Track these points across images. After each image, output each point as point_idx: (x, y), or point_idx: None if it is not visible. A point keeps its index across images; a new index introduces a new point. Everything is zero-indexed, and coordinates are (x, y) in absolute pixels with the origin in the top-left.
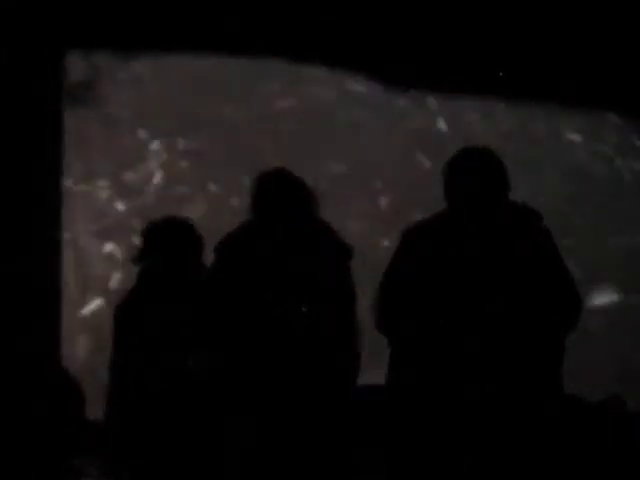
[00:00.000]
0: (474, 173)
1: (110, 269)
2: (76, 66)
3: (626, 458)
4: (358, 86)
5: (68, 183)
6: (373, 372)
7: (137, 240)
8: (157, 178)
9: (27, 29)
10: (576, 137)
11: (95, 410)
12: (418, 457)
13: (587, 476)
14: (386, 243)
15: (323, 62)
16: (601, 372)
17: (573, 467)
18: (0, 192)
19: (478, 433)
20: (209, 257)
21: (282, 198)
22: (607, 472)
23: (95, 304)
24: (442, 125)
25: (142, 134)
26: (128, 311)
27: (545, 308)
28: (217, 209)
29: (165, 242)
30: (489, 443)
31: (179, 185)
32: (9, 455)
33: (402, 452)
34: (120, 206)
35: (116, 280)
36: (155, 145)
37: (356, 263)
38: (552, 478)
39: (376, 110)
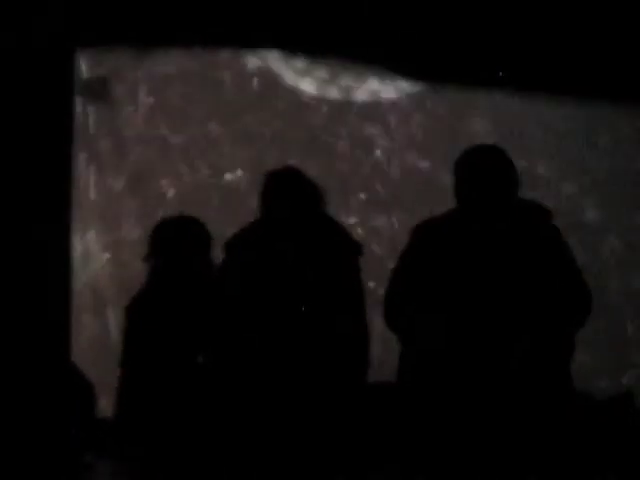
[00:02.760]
0: (483, 170)
1: (120, 271)
2: (90, 64)
3: (637, 454)
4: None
5: (78, 179)
6: (383, 370)
7: (147, 239)
8: (172, 176)
9: (41, 25)
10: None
11: (106, 407)
12: (429, 454)
13: (597, 472)
14: None
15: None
16: None
17: (583, 463)
18: (8, 188)
19: (488, 429)
20: (219, 254)
21: (290, 195)
22: (618, 468)
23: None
24: (458, 122)
25: (156, 132)
26: (138, 309)
27: (555, 305)
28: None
29: (174, 240)
30: (499, 439)
31: (194, 181)
32: (19, 452)
33: (413, 448)
34: (133, 205)
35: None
36: (169, 144)
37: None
38: (562, 474)
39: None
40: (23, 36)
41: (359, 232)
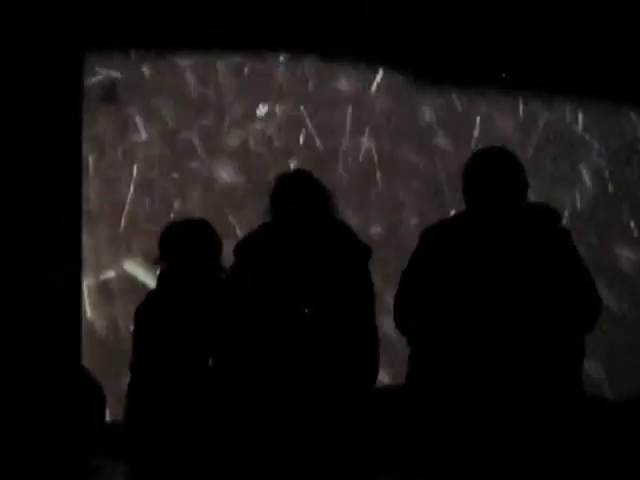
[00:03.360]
0: (492, 173)
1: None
2: (96, 68)
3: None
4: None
5: (87, 179)
6: (391, 372)
7: (157, 242)
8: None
9: (41, 25)
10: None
11: (116, 411)
12: (438, 456)
13: (606, 476)
14: None
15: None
16: None
17: (593, 467)
18: (16, 193)
19: (498, 433)
20: (229, 258)
21: (299, 199)
22: (627, 472)
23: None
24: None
25: (160, 136)
26: (148, 312)
27: (563, 308)
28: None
29: (183, 244)
30: (509, 443)
31: (198, 186)
32: (26, 454)
33: (421, 452)
34: (140, 207)
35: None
36: (178, 144)
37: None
38: (572, 478)
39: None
40: (23, 36)
41: None
